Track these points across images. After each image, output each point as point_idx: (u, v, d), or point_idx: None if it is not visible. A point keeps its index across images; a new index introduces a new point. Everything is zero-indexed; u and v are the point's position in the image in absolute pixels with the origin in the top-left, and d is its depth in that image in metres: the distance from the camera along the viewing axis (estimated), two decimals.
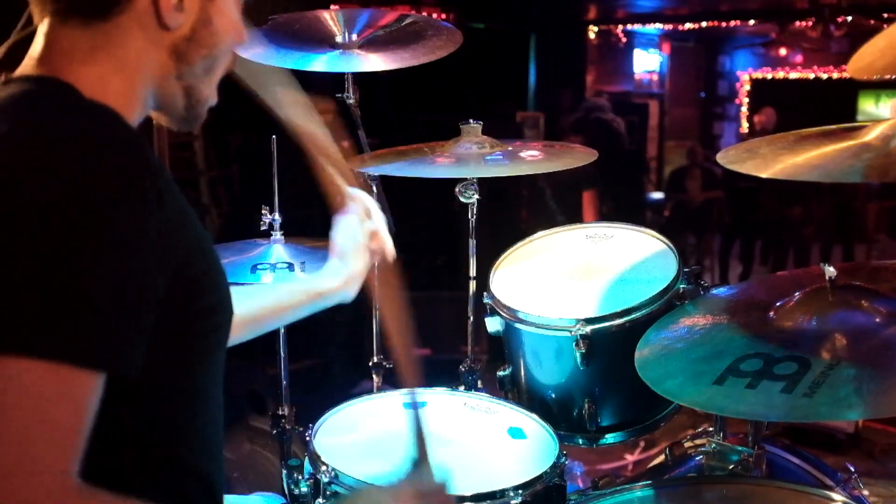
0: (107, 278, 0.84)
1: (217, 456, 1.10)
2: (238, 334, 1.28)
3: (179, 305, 0.96)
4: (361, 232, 1.47)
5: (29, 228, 0.82)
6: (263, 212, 2.20)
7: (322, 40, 2.22)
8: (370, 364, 2.36)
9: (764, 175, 1.40)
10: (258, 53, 2.01)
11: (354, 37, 2.22)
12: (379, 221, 1.49)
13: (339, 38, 2.22)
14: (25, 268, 0.81)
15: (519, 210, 5.84)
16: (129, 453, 0.96)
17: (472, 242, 2.14)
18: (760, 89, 11.71)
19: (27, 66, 1.01)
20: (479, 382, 2.06)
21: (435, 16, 7.71)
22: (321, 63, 2.17)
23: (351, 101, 2.33)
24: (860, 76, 1.27)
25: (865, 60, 1.26)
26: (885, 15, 7.99)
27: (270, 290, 1.53)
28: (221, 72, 1.12)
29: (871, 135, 1.35)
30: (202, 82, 1.08)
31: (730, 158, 1.50)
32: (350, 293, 1.46)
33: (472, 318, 2.16)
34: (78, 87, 0.97)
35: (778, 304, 1.53)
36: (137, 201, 0.88)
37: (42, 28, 1.01)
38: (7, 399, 0.79)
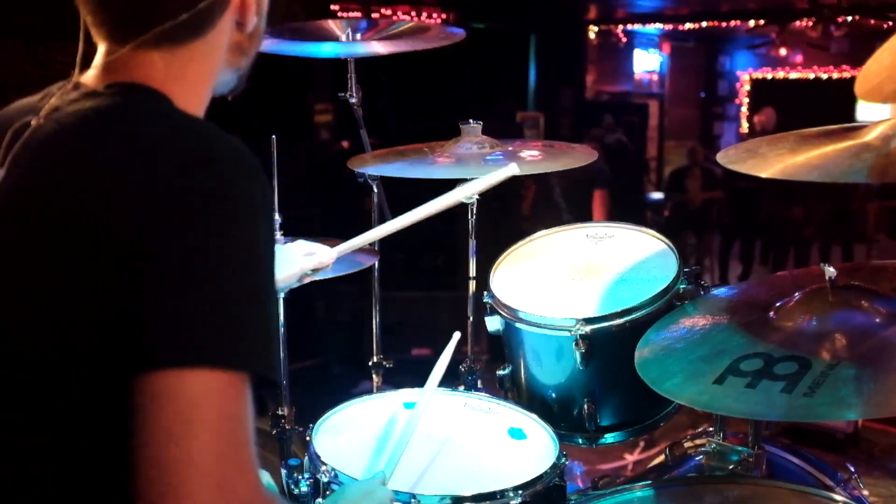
0: (271, 290, 0.91)
1: None
2: None
3: None
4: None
5: (212, 241, 0.86)
6: None
7: (325, 40, 2.23)
8: (370, 364, 2.36)
9: (764, 175, 1.40)
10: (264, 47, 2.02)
11: (358, 36, 2.23)
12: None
13: (342, 39, 2.23)
14: (209, 280, 0.85)
15: (519, 210, 5.85)
16: None
17: (472, 242, 2.14)
18: (760, 89, 11.72)
19: (106, 74, 0.99)
20: (479, 382, 2.06)
21: (435, 16, 7.71)
22: (325, 48, 2.18)
23: (353, 101, 2.33)
24: (868, 100, 1.25)
25: (872, 82, 1.24)
26: (891, 15, 7.98)
27: None
28: None
29: (871, 135, 1.35)
30: (247, 65, 1.12)
31: (730, 158, 1.50)
32: None
33: (472, 318, 2.16)
34: (168, 95, 0.98)
35: (778, 304, 1.53)
36: (270, 213, 0.94)
37: (115, 47, 0.99)
38: (207, 408, 0.84)
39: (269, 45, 2.03)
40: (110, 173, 0.87)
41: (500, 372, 1.97)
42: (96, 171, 0.88)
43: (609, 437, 1.88)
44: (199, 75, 1.02)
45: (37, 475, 0.91)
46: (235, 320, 0.86)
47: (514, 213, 5.78)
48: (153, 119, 0.94)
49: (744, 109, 11.90)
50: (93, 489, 0.91)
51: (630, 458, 3.91)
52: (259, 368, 0.88)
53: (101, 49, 1.02)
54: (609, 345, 1.77)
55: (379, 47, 2.21)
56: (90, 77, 1.01)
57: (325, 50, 2.19)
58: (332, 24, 2.26)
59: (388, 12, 7.31)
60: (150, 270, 0.84)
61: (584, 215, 5.64)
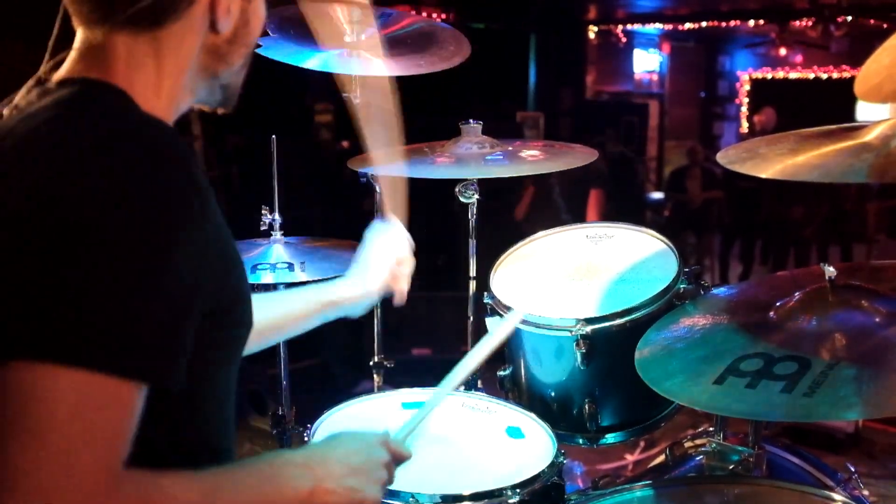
0: (153, 292, 0.85)
1: (232, 433, 1.14)
2: (253, 344, 1.28)
3: (215, 318, 0.97)
4: (392, 255, 1.57)
5: (77, 236, 0.82)
6: (263, 212, 2.20)
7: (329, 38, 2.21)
8: (370, 364, 2.36)
9: (764, 175, 1.40)
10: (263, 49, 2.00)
11: (363, 36, 2.21)
12: (407, 256, 1.59)
13: (347, 38, 2.21)
14: (71, 277, 0.82)
15: (519, 210, 5.85)
16: (162, 437, 0.98)
17: (472, 242, 2.14)
18: (760, 89, 11.73)
19: (74, 68, 1.01)
20: (479, 382, 2.06)
21: (435, 16, 7.71)
22: (324, 61, 2.16)
23: (357, 101, 2.33)
24: (868, 100, 1.25)
25: (872, 82, 1.24)
26: (891, 15, 7.98)
27: (284, 298, 1.55)
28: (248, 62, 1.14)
29: (871, 135, 1.35)
30: (239, 77, 1.11)
31: (730, 158, 1.50)
32: (360, 308, 1.54)
33: (472, 318, 2.16)
34: (131, 93, 0.97)
35: (778, 304, 1.53)
36: (183, 217, 0.89)
37: (88, 33, 1.00)
38: (48, 405, 0.80)
39: (269, 45, 2.02)
40: (24, 171, 0.87)
41: (501, 372, 1.97)
42: (15, 168, 0.88)
43: (609, 437, 1.88)
44: (163, 69, 1.00)
45: None
46: (98, 318, 0.82)
47: (514, 213, 5.78)
48: (85, 116, 0.92)
49: (744, 109, 11.91)
50: None
51: (630, 458, 3.91)
52: (109, 367, 0.83)
53: (77, 36, 1.02)
54: (609, 345, 1.77)
55: (383, 68, 2.18)
56: (62, 69, 1.02)
57: (326, 61, 2.16)
58: (339, 11, 2.23)
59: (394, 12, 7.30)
60: (22, 266, 0.82)
61: (583, 215, 5.66)
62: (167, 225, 0.87)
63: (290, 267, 2.06)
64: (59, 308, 0.81)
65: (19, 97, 1.00)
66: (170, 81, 1.02)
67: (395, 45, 2.23)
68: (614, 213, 5.89)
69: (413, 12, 7.36)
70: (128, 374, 0.84)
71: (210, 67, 1.06)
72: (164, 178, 0.88)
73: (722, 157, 1.53)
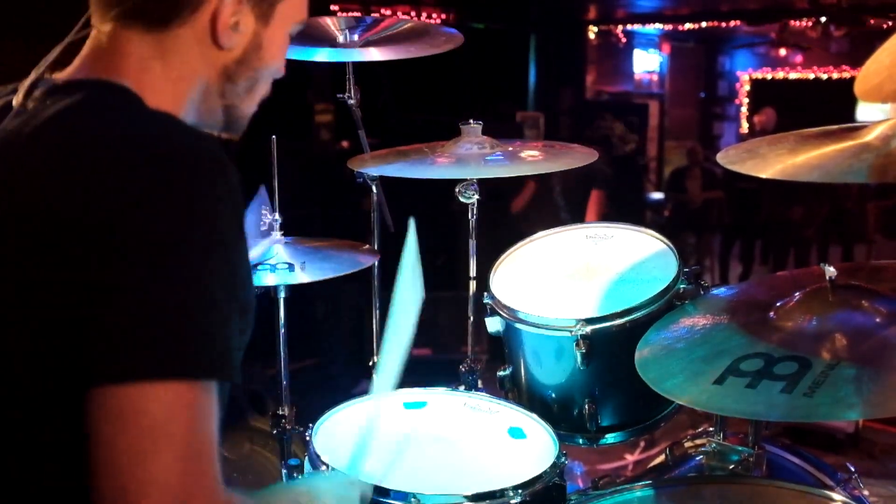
0: (226, 296, 0.85)
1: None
2: None
3: (241, 318, 0.95)
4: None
5: (151, 247, 0.82)
6: (263, 212, 2.20)
7: (323, 41, 2.22)
8: (370, 364, 2.36)
9: (764, 175, 1.40)
10: None
11: (355, 37, 2.23)
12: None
13: (340, 40, 2.23)
14: (153, 290, 0.81)
15: (519, 209, 5.85)
16: None
17: (472, 242, 2.14)
18: (760, 89, 11.73)
19: (83, 67, 1.01)
20: (479, 382, 2.06)
21: (435, 16, 7.71)
22: (322, 56, 2.18)
23: (352, 102, 2.33)
24: (868, 100, 1.25)
25: (872, 82, 1.24)
26: (891, 15, 7.97)
27: None
28: (262, 93, 1.12)
29: (872, 135, 1.35)
30: (243, 101, 1.09)
31: (730, 158, 1.50)
32: None
33: (472, 318, 2.16)
34: (139, 93, 0.97)
35: (778, 304, 1.53)
36: (234, 218, 0.89)
37: (102, 31, 1.01)
38: (168, 421, 0.81)
39: None
40: (59, 177, 0.85)
41: (501, 373, 1.97)
42: (46, 175, 0.86)
43: (609, 438, 1.88)
44: (169, 74, 1.00)
45: None
46: (195, 328, 0.82)
47: (513, 213, 5.78)
48: (107, 115, 0.92)
49: (744, 109, 11.91)
50: None
51: (630, 458, 3.91)
52: (220, 376, 0.84)
53: (89, 38, 1.03)
54: (609, 345, 1.77)
55: (377, 54, 2.21)
56: (69, 69, 1.02)
57: (322, 56, 2.18)
58: (329, 23, 2.25)
59: (388, 12, 7.32)
60: (106, 278, 0.81)
61: (583, 214, 5.65)
62: (234, 220, 0.88)
63: (291, 267, 2.06)
64: (161, 322, 0.81)
65: (20, 98, 0.99)
66: (171, 87, 1.01)
67: (387, 41, 2.25)
68: (614, 213, 5.89)
69: (413, 12, 7.37)
70: (223, 378, 0.85)
71: (215, 84, 1.05)
72: (219, 171, 0.88)
73: (722, 157, 1.52)
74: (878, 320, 1.41)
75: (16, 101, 0.99)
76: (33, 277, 0.84)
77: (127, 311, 0.80)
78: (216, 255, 0.85)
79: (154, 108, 0.96)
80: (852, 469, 1.84)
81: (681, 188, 7.74)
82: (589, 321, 1.76)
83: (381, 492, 1.46)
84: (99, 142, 0.87)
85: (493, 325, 1.93)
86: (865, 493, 1.82)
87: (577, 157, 2.10)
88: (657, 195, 9.07)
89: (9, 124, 0.96)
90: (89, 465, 0.80)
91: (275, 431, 2.28)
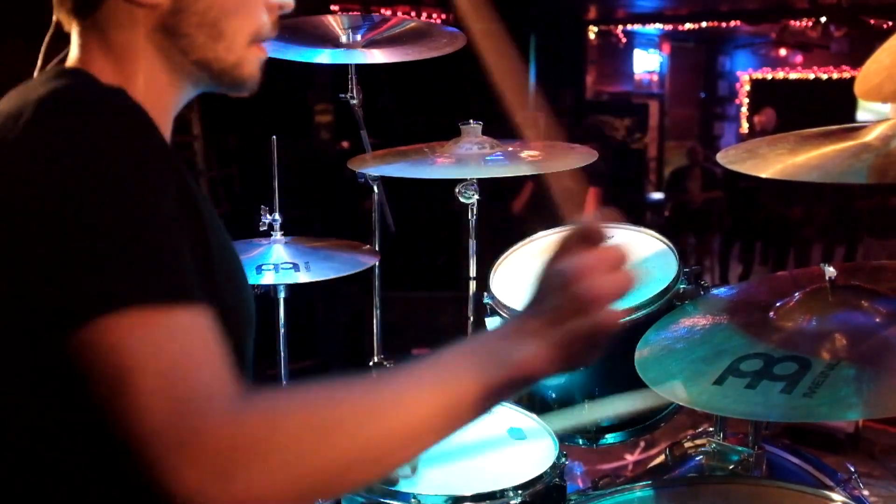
0: (164, 220, 0.84)
1: None
2: None
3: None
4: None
5: (78, 196, 0.81)
6: (263, 212, 2.20)
7: (326, 41, 2.22)
8: (370, 364, 2.36)
9: (764, 175, 1.40)
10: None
11: (358, 38, 2.23)
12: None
13: (343, 39, 2.23)
14: (98, 230, 0.80)
15: (519, 210, 5.85)
16: None
17: (472, 242, 2.14)
18: (760, 89, 11.73)
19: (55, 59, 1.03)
20: None
21: (435, 16, 7.71)
22: (325, 57, 2.18)
23: (354, 102, 2.34)
24: (868, 100, 1.24)
25: (872, 82, 1.24)
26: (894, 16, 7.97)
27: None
28: (246, 33, 1.02)
29: (872, 135, 1.35)
30: (216, 50, 1.00)
31: (730, 158, 1.50)
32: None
33: (472, 318, 2.16)
34: (98, 76, 0.96)
35: (778, 304, 1.53)
36: (163, 164, 0.87)
37: (65, 23, 1.02)
38: (148, 346, 0.78)
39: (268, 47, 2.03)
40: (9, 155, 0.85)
41: None
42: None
43: (609, 438, 1.88)
44: (112, 49, 0.98)
45: None
46: (133, 258, 0.80)
47: (513, 213, 5.78)
48: (54, 92, 0.90)
49: (744, 109, 11.91)
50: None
51: (630, 459, 3.91)
52: (175, 297, 0.81)
53: None
54: (609, 345, 1.77)
55: (381, 56, 2.21)
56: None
57: (326, 57, 2.19)
58: (331, 22, 2.25)
59: (388, 12, 7.32)
60: (40, 235, 0.80)
61: (578, 213, 5.65)
62: (149, 152, 0.86)
63: (296, 267, 2.06)
64: (101, 256, 0.79)
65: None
66: (121, 62, 0.98)
67: (389, 42, 2.25)
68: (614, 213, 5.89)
69: (413, 12, 7.36)
70: (170, 298, 0.81)
71: (164, 45, 0.99)
72: (129, 134, 0.86)
73: (722, 157, 1.53)
74: (878, 320, 1.41)
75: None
76: None
77: (65, 257, 0.79)
78: (145, 195, 0.83)
79: (105, 83, 0.94)
80: (852, 469, 1.84)
81: (681, 188, 7.74)
82: None
83: (381, 492, 1.47)
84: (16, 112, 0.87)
85: (493, 325, 1.93)
86: (865, 493, 1.83)
87: (578, 156, 2.10)
88: (657, 195, 9.08)
89: None
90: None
91: None
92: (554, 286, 0.98)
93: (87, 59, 0.99)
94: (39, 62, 1.06)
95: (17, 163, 0.85)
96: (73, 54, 1.01)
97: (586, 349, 0.96)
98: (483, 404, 0.88)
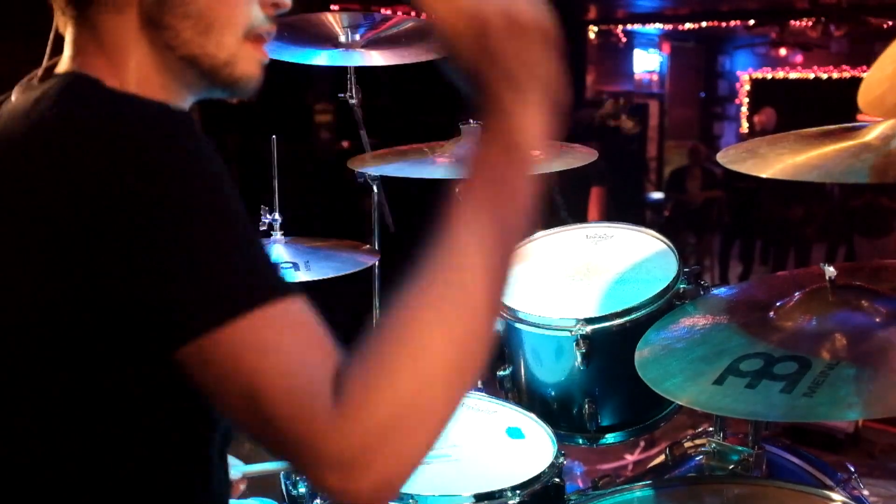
0: (249, 227, 0.86)
1: None
2: None
3: None
4: None
5: (177, 211, 0.80)
6: (263, 211, 2.20)
7: (325, 41, 2.22)
8: None
9: (764, 175, 1.40)
10: None
11: (357, 37, 2.23)
12: None
13: (342, 39, 2.23)
14: (196, 238, 0.80)
15: None
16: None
17: None
18: (760, 89, 11.73)
19: (58, 67, 1.00)
20: (479, 382, 2.06)
21: None
22: (323, 58, 2.18)
23: (353, 102, 2.33)
24: (871, 112, 1.24)
25: (874, 92, 1.23)
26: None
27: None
28: (239, 27, 0.98)
29: (872, 135, 1.35)
30: (204, 46, 0.96)
31: (730, 158, 1.50)
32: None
33: None
34: (101, 78, 0.93)
35: (778, 304, 1.53)
36: (207, 152, 0.86)
37: (64, 22, 1.00)
38: (268, 347, 0.80)
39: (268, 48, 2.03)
40: (52, 169, 0.82)
41: (501, 373, 1.97)
42: (40, 170, 0.84)
43: (609, 437, 1.88)
44: (104, 46, 0.95)
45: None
46: (237, 264, 0.81)
47: None
48: (76, 104, 0.88)
49: (744, 109, 11.91)
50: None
51: (630, 458, 3.91)
52: (283, 292, 0.83)
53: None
54: (609, 345, 1.77)
55: (379, 58, 2.20)
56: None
57: (324, 59, 2.19)
58: (330, 20, 2.25)
59: (388, 12, 7.32)
60: (134, 253, 0.79)
61: (582, 213, 5.65)
62: (215, 166, 0.85)
63: (296, 267, 2.06)
64: (210, 268, 0.80)
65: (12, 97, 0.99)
66: (114, 57, 0.95)
67: (388, 41, 2.25)
68: (614, 212, 5.89)
69: (413, 12, 7.37)
70: (279, 295, 0.82)
71: (151, 38, 0.95)
72: (177, 134, 0.85)
73: (722, 157, 1.53)
74: (878, 320, 1.41)
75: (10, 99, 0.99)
76: (36, 281, 0.83)
77: (174, 272, 0.79)
78: (223, 199, 0.83)
79: (110, 87, 0.92)
80: (852, 469, 1.84)
81: (681, 188, 7.74)
82: (589, 321, 1.76)
83: None
84: (67, 133, 0.84)
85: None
86: (865, 493, 1.83)
87: (578, 156, 2.10)
88: (657, 195, 9.07)
89: None
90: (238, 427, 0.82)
91: None
92: (484, 54, 0.87)
93: (85, 62, 0.96)
94: (45, 63, 1.04)
95: (106, 180, 0.81)
96: (68, 54, 0.97)
97: (543, 62, 0.91)
98: (523, 221, 0.90)
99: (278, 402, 0.78)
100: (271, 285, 0.83)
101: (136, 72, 0.96)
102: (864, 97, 1.25)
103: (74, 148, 0.82)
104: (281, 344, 0.81)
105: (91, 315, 0.82)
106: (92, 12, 0.95)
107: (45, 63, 1.04)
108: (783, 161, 1.40)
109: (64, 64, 0.98)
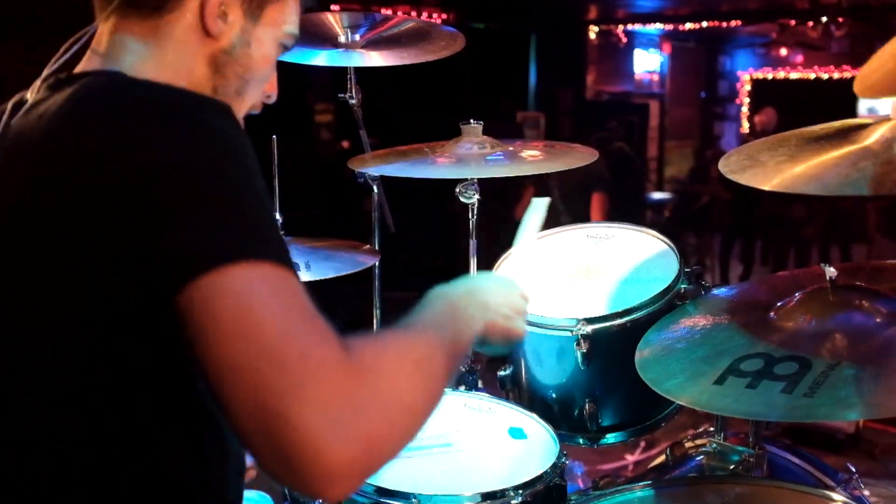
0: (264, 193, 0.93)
1: None
2: None
3: None
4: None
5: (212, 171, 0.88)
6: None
7: (325, 41, 2.22)
8: None
9: (765, 188, 1.40)
10: None
11: (357, 37, 2.23)
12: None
13: (342, 39, 2.23)
14: (226, 194, 0.87)
15: (518, 211, 5.86)
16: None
17: (472, 242, 2.13)
18: (761, 89, 11.73)
19: (87, 63, 1.06)
20: (480, 382, 2.06)
21: (435, 16, 7.71)
22: (323, 59, 2.18)
23: (353, 102, 2.33)
24: (866, 96, 1.24)
25: (871, 79, 1.23)
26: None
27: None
28: (251, 101, 1.15)
29: (872, 138, 1.34)
30: (233, 103, 1.09)
31: (731, 167, 1.50)
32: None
33: None
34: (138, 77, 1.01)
35: (778, 304, 1.53)
36: (245, 139, 0.94)
37: (104, 26, 1.06)
38: (273, 292, 0.85)
39: None
40: (88, 149, 0.88)
41: (501, 372, 1.97)
42: (76, 152, 0.89)
43: (610, 438, 1.88)
44: (165, 60, 1.04)
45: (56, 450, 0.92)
46: (255, 222, 0.88)
47: (514, 213, 5.79)
48: (112, 90, 0.96)
49: (744, 109, 11.91)
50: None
51: (631, 459, 3.91)
52: (285, 261, 0.89)
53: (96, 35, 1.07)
54: (610, 345, 1.77)
55: (379, 59, 2.21)
56: (79, 65, 1.05)
57: (323, 59, 2.19)
58: (330, 20, 2.25)
59: (388, 12, 7.32)
60: (156, 208, 0.85)
61: (583, 219, 5.66)
62: (243, 146, 0.93)
63: (296, 267, 2.06)
64: (220, 219, 0.86)
65: (29, 95, 1.02)
66: (171, 75, 1.03)
67: (388, 42, 2.25)
68: (615, 213, 5.90)
69: (413, 12, 7.36)
70: (282, 260, 0.90)
71: (206, 75, 1.08)
72: (220, 115, 0.94)
73: (723, 166, 1.53)
74: (878, 320, 1.41)
75: (30, 97, 1.02)
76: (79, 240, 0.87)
77: (185, 222, 0.85)
78: (246, 167, 0.91)
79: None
80: (853, 469, 1.84)
81: (704, 180, 7.73)
82: (590, 321, 1.76)
83: (381, 493, 1.47)
84: (109, 111, 0.91)
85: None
86: (866, 493, 1.83)
87: (578, 156, 2.10)
88: (658, 195, 9.07)
89: (18, 121, 0.99)
90: (207, 379, 0.83)
91: None
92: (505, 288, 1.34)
93: (139, 66, 1.03)
94: (59, 61, 1.06)
95: (151, 145, 0.88)
96: (118, 55, 1.03)
97: (501, 339, 1.30)
98: (463, 350, 1.16)
99: (276, 343, 0.82)
100: (284, 253, 0.90)
101: (186, 83, 1.06)
102: (860, 84, 1.24)
103: (137, 119, 0.89)
104: (288, 295, 0.86)
105: (111, 265, 0.86)
106: (166, 29, 1.04)
107: (59, 62, 1.06)
108: (782, 171, 1.40)
109: (100, 61, 1.04)
